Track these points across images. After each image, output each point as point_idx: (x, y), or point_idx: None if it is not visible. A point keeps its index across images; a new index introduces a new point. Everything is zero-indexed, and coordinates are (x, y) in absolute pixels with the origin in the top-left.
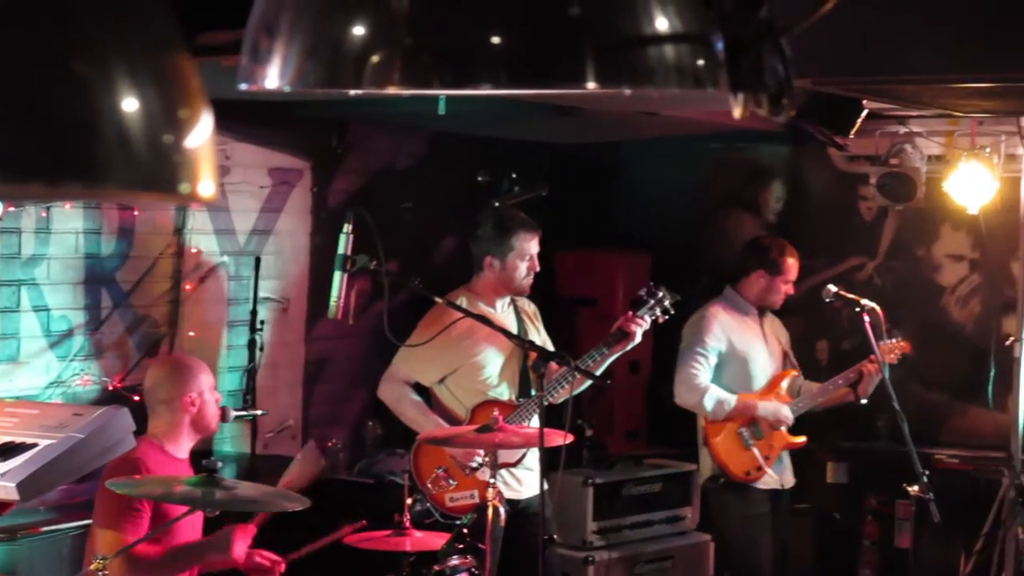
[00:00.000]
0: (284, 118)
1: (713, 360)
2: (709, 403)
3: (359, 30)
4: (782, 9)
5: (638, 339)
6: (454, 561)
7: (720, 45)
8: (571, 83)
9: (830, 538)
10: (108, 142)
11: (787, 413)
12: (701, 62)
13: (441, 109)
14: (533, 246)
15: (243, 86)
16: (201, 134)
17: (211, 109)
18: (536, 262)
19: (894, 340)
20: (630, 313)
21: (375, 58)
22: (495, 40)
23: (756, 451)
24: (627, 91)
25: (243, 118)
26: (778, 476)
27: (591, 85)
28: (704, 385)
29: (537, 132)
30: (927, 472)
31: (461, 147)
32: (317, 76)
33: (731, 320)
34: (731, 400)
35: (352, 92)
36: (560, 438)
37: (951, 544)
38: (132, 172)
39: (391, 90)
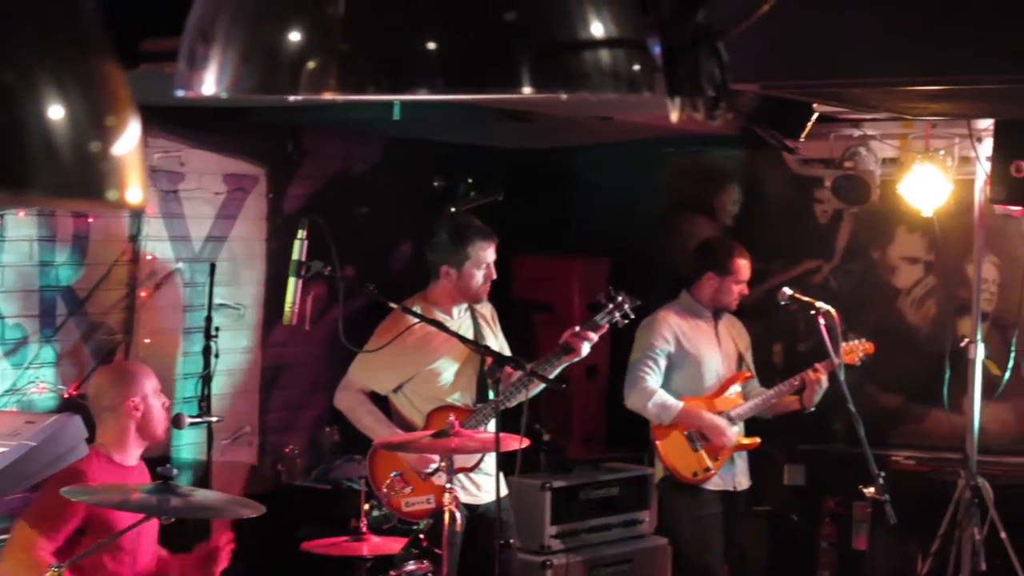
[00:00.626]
0: (239, 124)
1: (663, 363)
2: (652, 408)
3: (295, 36)
4: (721, 14)
5: (584, 353)
6: (411, 566)
7: (657, 50)
8: (507, 88)
9: (787, 540)
10: (34, 149)
11: (729, 439)
12: (636, 67)
13: (396, 115)
14: (490, 254)
15: (180, 92)
16: (128, 141)
17: (139, 116)
18: (493, 270)
19: (857, 341)
20: (576, 328)
21: (311, 64)
22: (431, 46)
23: (704, 453)
24: (563, 96)
25: (197, 124)
26: (730, 478)
27: (527, 90)
28: (651, 389)
29: (493, 137)
30: (883, 474)
31: (417, 152)
32: (253, 82)
33: (682, 323)
34: (674, 408)
35: (291, 98)
36: (516, 442)
37: (908, 545)
38: (58, 179)
39: (327, 96)
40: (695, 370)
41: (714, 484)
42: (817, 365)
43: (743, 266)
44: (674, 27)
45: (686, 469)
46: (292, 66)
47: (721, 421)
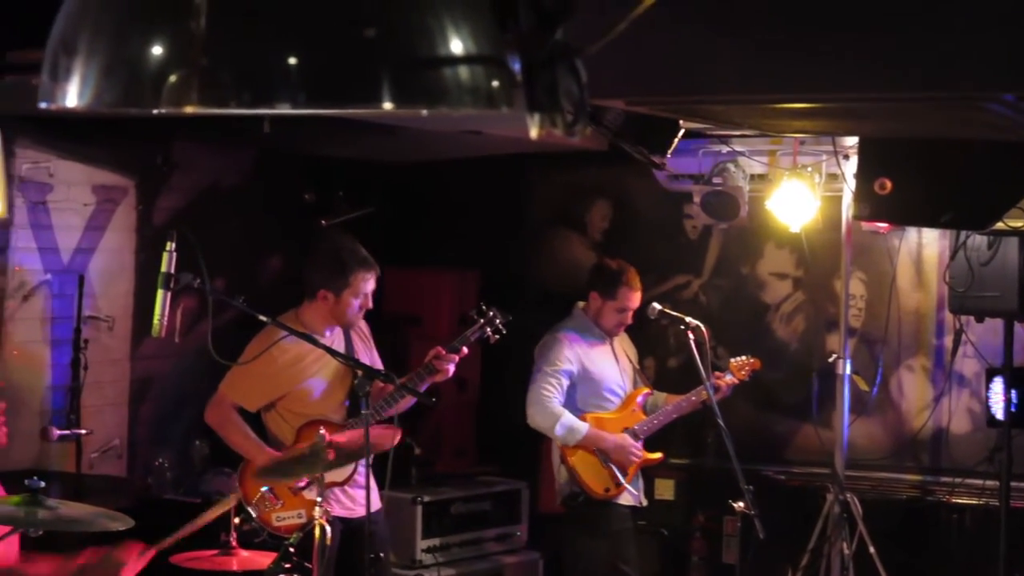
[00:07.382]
0: (109, 135)
1: (566, 382)
2: (560, 431)
3: (157, 50)
4: (580, 31)
5: (451, 374)
6: None
7: (516, 66)
8: (368, 104)
9: (659, 554)
10: None
11: (633, 456)
12: (495, 83)
13: (266, 128)
14: (369, 285)
15: (43, 105)
16: None
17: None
18: (369, 300)
19: (744, 358)
20: (441, 349)
21: (173, 78)
22: (292, 61)
23: (615, 468)
24: (424, 112)
25: (66, 135)
26: (637, 494)
27: (387, 106)
28: (557, 411)
29: (365, 151)
30: (751, 488)
31: (288, 165)
32: (115, 95)
33: (581, 340)
34: (581, 431)
35: (156, 112)
36: (389, 435)
37: (778, 559)
38: None
39: (189, 110)
40: (598, 388)
41: (624, 499)
42: (717, 374)
43: (626, 295)
44: (532, 43)
45: (598, 485)
46: (154, 80)
47: (625, 440)
